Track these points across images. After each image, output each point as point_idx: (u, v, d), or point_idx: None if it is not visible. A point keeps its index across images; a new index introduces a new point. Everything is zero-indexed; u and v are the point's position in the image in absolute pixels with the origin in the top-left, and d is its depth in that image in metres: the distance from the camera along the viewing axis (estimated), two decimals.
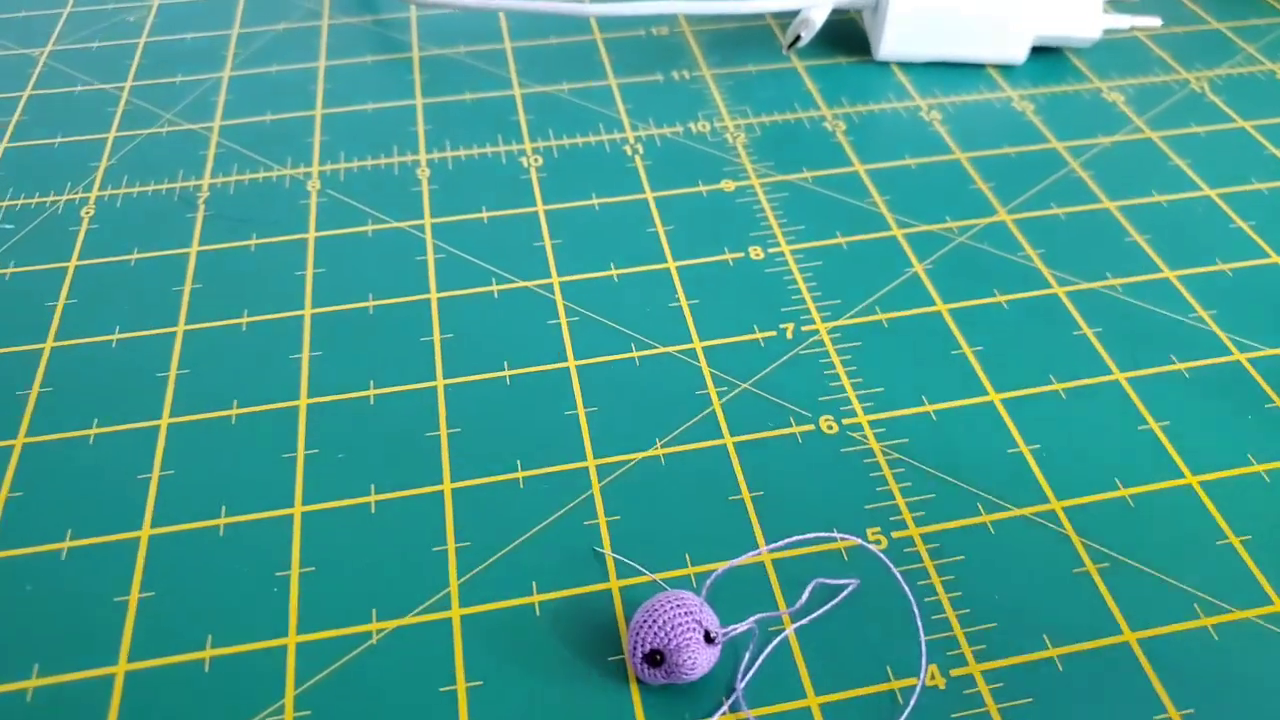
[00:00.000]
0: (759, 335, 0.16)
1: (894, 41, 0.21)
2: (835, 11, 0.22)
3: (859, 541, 0.13)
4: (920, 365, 0.15)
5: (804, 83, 0.21)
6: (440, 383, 0.15)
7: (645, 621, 0.11)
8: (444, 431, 0.14)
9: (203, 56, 0.22)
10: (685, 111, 0.20)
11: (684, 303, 0.16)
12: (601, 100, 0.21)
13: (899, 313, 0.16)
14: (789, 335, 0.16)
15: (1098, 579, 0.13)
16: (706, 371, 0.15)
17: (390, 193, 0.19)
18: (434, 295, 0.17)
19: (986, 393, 0.15)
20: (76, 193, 0.19)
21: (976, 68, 0.22)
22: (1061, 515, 0.13)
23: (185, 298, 0.17)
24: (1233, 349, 0.16)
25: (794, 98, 0.21)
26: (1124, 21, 0.22)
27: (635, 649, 0.11)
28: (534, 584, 0.13)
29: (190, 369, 0.15)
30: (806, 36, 0.21)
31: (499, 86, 0.21)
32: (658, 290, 0.17)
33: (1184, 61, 0.22)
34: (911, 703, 0.12)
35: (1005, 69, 0.22)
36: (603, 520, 0.13)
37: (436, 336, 0.16)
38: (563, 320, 0.16)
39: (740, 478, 0.14)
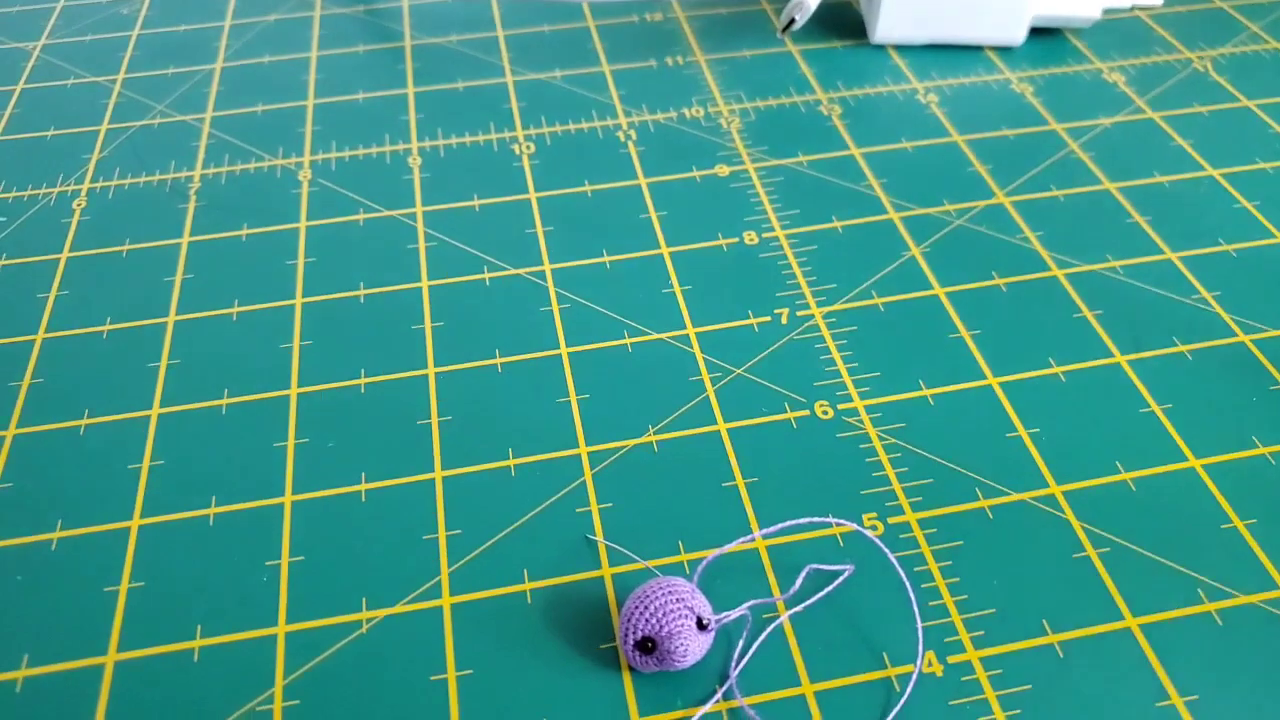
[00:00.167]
0: (753, 321, 0.16)
1: (890, 24, 0.21)
2: None
3: (854, 527, 0.13)
4: (917, 349, 0.15)
5: (799, 66, 0.21)
6: (431, 371, 0.15)
7: (637, 609, 0.11)
8: (435, 419, 0.14)
9: (195, 48, 0.22)
10: (679, 97, 0.20)
11: (677, 289, 0.16)
12: (594, 86, 0.21)
13: (895, 297, 0.16)
14: (784, 320, 0.16)
15: (1099, 564, 0.13)
16: (700, 357, 0.15)
17: (382, 181, 0.18)
18: (425, 283, 0.16)
19: (985, 377, 0.15)
20: (69, 185, 0.19)
21: (974, 49, 0.21)
22: (1061, 500, 0.13)
23: (176, 288, 0.17)
24: (1236, 330, 0.15)
25: (789, 82, 0.21)
26: (1125, 1, 0.22)
27: (627, 636, 0.11)
28: (525, 572, 0.13)
29: (181, 359, 0.15)
30: (801, 20, 0.20)
31: (491, 74, 0.21)
32: (651, 276, 0.16)
33: (1186, 41, 0.22)
34: (908, 690, 0.11)
35: (1003, 50, 0.21)
36: (595, 507, 0.13)
37: (428, 324, 0.16)
38: (555, 307, 0.16)
39: (734, 464, 0.14)
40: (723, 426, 0.14)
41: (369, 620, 0.12)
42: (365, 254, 0.17)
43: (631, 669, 0.12)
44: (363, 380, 0.15)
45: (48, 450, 0.14)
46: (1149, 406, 0.14)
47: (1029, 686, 0.11)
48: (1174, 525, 0.13)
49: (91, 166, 0.19)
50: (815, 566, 0.12)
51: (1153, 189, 0.18)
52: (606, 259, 0.17)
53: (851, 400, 0.14)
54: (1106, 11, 0.22)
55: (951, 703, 0.11)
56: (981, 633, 0.12)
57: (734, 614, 0.12)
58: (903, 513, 0.13)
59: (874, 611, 0.12)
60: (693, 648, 0.11)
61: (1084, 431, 0.14)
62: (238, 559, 0.13)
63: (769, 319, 0.16)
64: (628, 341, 0.15)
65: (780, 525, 0.13)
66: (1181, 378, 0.15)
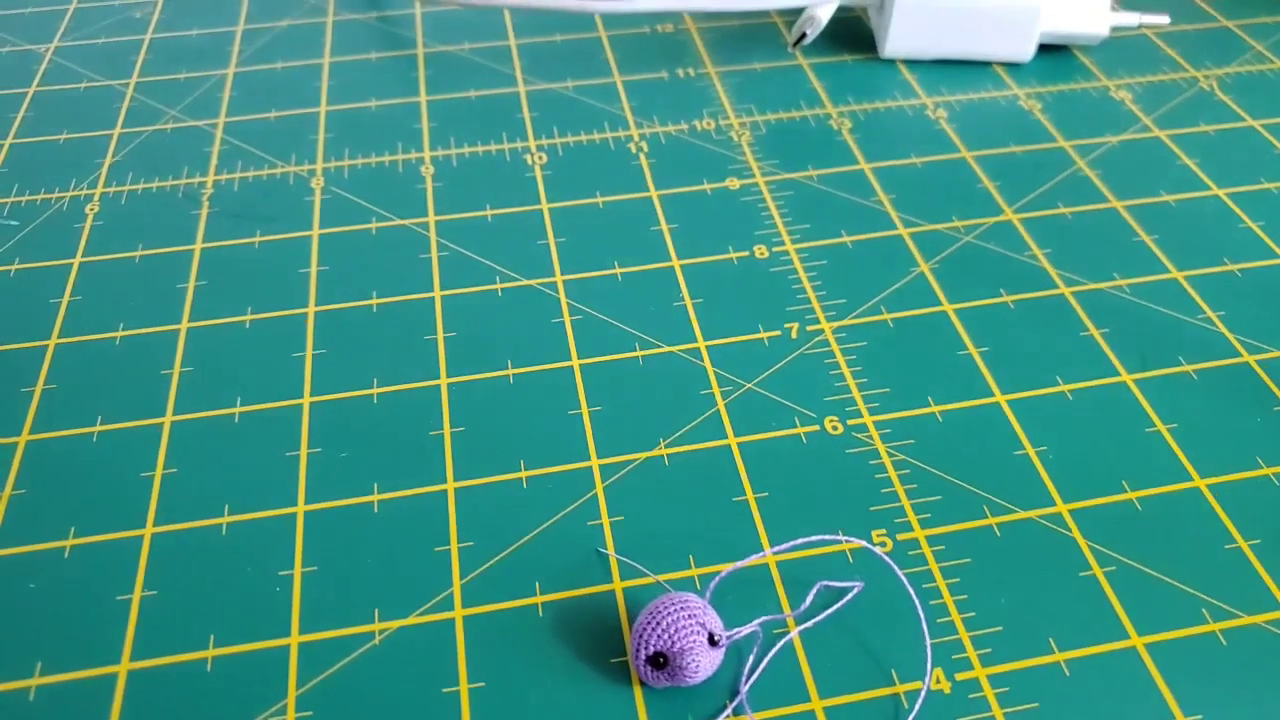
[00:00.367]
0: (763, 335, 0.16)
1: (900, 39, 0.21)
2: (841, 9, 0.22)
3: (864, 544, 0.13)
4: (926, 366, 0.15)
5: (809, 80, 0.21)
6: (444, 381, 0.15)
7: (649, 624, 0.11)
8: (447, 430, 0.14)
9: (207, 53, 0.22)
10: (690, 109, 0.20)
11: (688, 302, 0.16)
12: (606, 98, 0.21)
13: (904, 312, 0.16)
14: (794, 335, 0.16)
15: (1104, 582, 0.13)
16: (710, 371, 0.15)
17: (394, 190, 0.19)
18: (438, 293, 0.17)
19: (992, 394, 0.15)
20: (81, 189, 0.19)
21: (983, 65, 0.22)
22: (1068, 518, 0.13)
23: (189, 295, 0.17)
24: (1241, 350, 0.16)
25: (799, 95, 0.21)
26: (1132, 19, 0.22)
27: (639, 651, 0.11)
28: (537, 584, 0.13)
29: (194, 366, 0.15)
30: (812, 34, 0.21)
31: (503, 84, 0.21)
32: (662, 289, 0.17)
33: (1193, 59, 0.22)
34: (916, 707, 0.11)
35: (1012, 67, 0.22)
36: (606, 521, 0.13)
37: (440, 335, 0.16)
38: (566, 319, 0.16)
39: (744, 478, 0.14)
40: (733, 441, 0.14)
41: (382, 632, 0.12)
42: (378, 263, 0.17)
43: (642, 684, 0.12)
44: (375, 390, 0.15)
45: (61, 457, 0.14)
46: (1155, 426, 0.14)
47: (1036, 704, 0.12)
48: (1179, 545, 0.13)
49: (104, 171, 0.19)
50: (826, 583, 0.12)
51: (1159, 208, 0.18)
52: (618, 271, 0.17)
53: (861, 416, 0.15)
54: (1114, 29, 0.22)
55: None
56: (989, 650, 0.12)
57: (745, 630, 0.12)
58: (911, 529, 0.13)
59: (883, 628, 0.12)
60: (704, 664, 0.11)
61: (1091, 450, 0.14)
62: (250, 569, 0.13)
63: (779, 333, 0.16)
64: (639, 354, 0.16)
65: (791, 543, 0.13)
66: (1187, 397, 0.15)
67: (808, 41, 0.21)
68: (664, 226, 0.18)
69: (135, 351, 0.16)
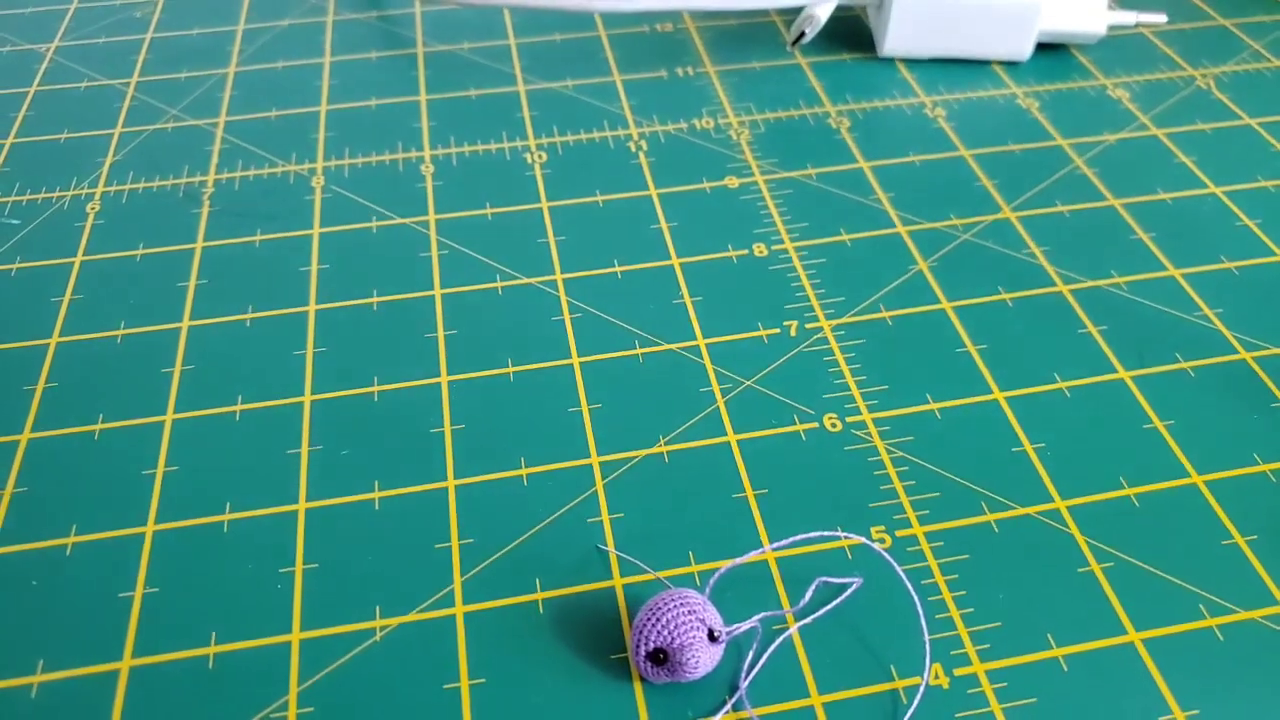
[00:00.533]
0: (763, 332, 0.16)
1: (898, 37, 0.21)
2: (840, 8, 0.22)
3: (863, 540, 0.13)
4: (924, 363, 0.15)
5: (808, 79, 0.21)
6: (444, 379, 0.15)
7: (649, 620, 0.11)
8: (448, 428, 0.14)
9: (208, 52, 0.22)
10: (689, 108, 0.20)
11: (688, 299, 0.16)
12: (606, 96, 0.21)
13: (903, 310, 0.16)
14: (793, 332, 0.16)
15: (1102, 578, 0.13)
16: (710, 368, 0.15)
17: (395, 189, 0.19)
18: (438, 291, 0.17)
19: (991, 391, 0.15)
20: (82, 188, 0.19)
21: (981, 64, 0.22)
22: (1066, 514, 0.13)
23: (190, 293, 0.17)
24: (1238, 348, 0.16)
25: (798, 94, 0.21)
26: (1129, 18, 0.22)
27: (639, 647, 0.11)
28: (537, 581, 0.13)
29: (195, 365, 0.15)
30: (811, 33, 0.21)
31: (503, 83, 0.21)
32: (661, 287, 0.17)
33: (1190, 58, 0.22)
34: (915, 702, 0.11)
35: (1010, 65, 0.22)
36: (606, 518, 0.13)
37: (440, 333, 0.16)
38: (566, 317, 0.16)
39: (744, 475, 0.14)
40: (733, 438, 0.14)
41: (383, 628, 0.12)
42: (378, 261, 0.17)
43: (642, 679, 0.12)
44: (376, 388, 0.15)
45: (62, 455, 0.14)
46: (1152, 422, 0.15)
47: (1034, 699, 0.12)
48: (1176, 541, 0.13)
49: (105, 170, 0.19)
50: (825, 580, 0.12)
51: (1156, 206, 0.18)
52: (618, 269, 0.17)
53: (860, 413, 0.15)
54: (1112, 28, 0.22)
55: (958, 715, 0.11)
56: (987, 646, 0.12)
57: (744, 626, 0.12)
58: (910, 526, 0.13)
59: (882, 624, 0.12)
60: (704, 659, 0.11)
61: (1088, 447, 0.14)
62: (252, 566, 0.13)
63: (778, 331, 0.16)
64: (639, 352, 0.16)
65: (790, 539, 0.13)
66: (1184, 394, 0.15)
67: (806, 40, 0.21)
68: (663, 225, 0.18)
69: (136, 350, 0.16)
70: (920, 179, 0.19)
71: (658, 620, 0.11)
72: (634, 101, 0.21)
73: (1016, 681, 0.12)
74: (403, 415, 0.15)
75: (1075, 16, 0.21)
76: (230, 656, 0.12)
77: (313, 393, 0.15)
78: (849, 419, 0.15)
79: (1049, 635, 0.12)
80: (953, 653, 0.12)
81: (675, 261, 0.17)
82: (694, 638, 0.11)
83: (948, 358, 0.15)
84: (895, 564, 0.13)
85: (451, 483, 0.14)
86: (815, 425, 0.14)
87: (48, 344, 0.16)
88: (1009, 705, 0.12)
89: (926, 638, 0.12)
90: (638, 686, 0.12)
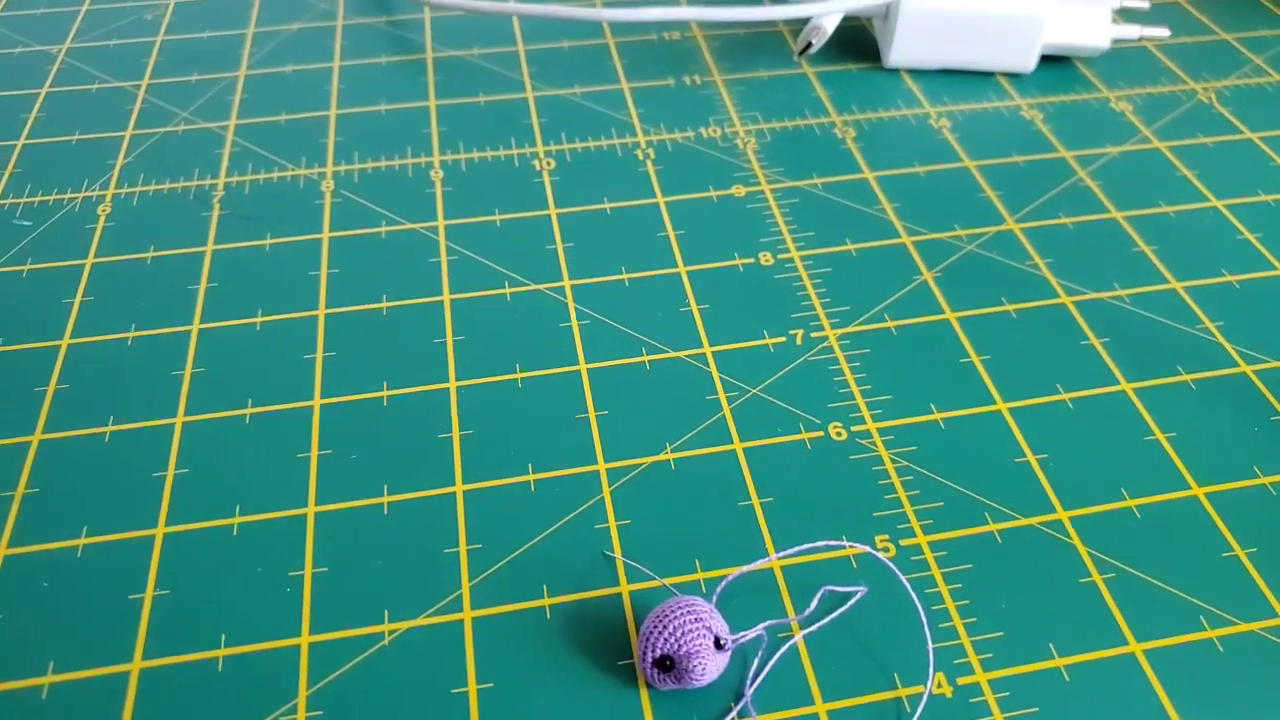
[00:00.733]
0: (769, 341, 0.16)
1: (904, 48, 0.21)
2: (846, 18, 0.22)
3: (867, 549, 0.13)
4: (928, 373, 0.15)
5: (814, 89, 0.21)
6: (453, 384, 0.15)
7: (656, 627, 0.11)
8: (456, 433, 0.15)
9: (218, 55, 0.22)
10: (696, 116, 0.21)
11: (694, 307, 0.17)
12: (613, 104, 0.21)
13: (908, 320, 0.16)
14: (798, 341, 0.16)
15: (1104, 589, 0.13)
16: (716, 376, 0.15)
17: (403, 194, 0.19)
18: (447, 297, 0.17)
19: (994, 401, 0.15)
20: (94, 190, 0.19)
21: (986, 75, 0.22)
22: (1068, 525, 0.14)
23: (201, 296, 0.17)
24: (1239, 361, 0.16)
25: (804, 104, 0.21)
26: (1133, 31, 0.22)
27: (646, 654, 0.11)
28: (545, 587, 0.13)
29: (205, 368, 0.16)
30: (818, 43, 0.21)
31: (512, 89, 0.21)
32: (668, 295, 0.17)
33: (1192, 72, 0.22)
34: (919, 710, 0.12)
35: (1014, 77, 0.22)
36: (613, 524, 0.13)
37: (449, 338, 0.16)
38: (574, 323, 0.16)
39: (750, 483, 0.14)
40: (739, 446, 0.14)
41: (391, 633, 0.12)
42: (388, 266, 0.17)
43: (649, 686, 0.12)
44: (385, 392, 0.15)
45: (73, 457, 0.14)
46: (1153, 434, 0.15)
47: (1036, 709, 0.12)
48: (1177, 552, 0.13)
49: (116, 172, 0.19)
50: (830, 588, 0.13)
51: (1158, 218, 0.18)
52: (625, 276, 0.17)
53: (864, 422, 0.15)
54: (1115, 41, 0.22)
55: None
56: (990, 655, 0.12)
57: (750, 634, 0.12)
58: (914, 535, 0.13)
59: (886, 632, 0.12)
60: (710, 667, 0.11)
61: (1090, 458, 0.14)
62: (261, 569, 0.13)
63: (784, 339, 0.16)
64: (646, 359, 0.16)
65: (796, 549, 0.13)
66: (1185, 406, 0.15)
67: (813, 51, 0.21)
68: (670, 233, 0.18)
69: (147, 352, 0.16)
70: (925, 189, 0.19)
71: (665, 628, 0.11)
72: (642, 109, 0.21)
73: (1019, 691, 0.12)
74: (412, 420, 0.15)
75: (1079, 30, 0.21)
76: (240, 659, 0.12)
77: (322, 397, 0.15)
78: (854, 428, 0.15)
79: (1051, 645, 0.12)
80: (956, 661, 0.12)
81: (682, 269, 0.17)
82: (701, 645, 0.11)
83: (951, 368, 0.16)
84: (899, 573, 0.13)
85: (460, 488, 0.14)
86: (821, 434, 0.15)
87: (59, 345, 0.16)
88: (1011, 714, 0.12)
89: (930, 646, 0.12)
90: (644, 693, 0.12)
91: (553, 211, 0.18)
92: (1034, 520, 0.14)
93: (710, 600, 0.12)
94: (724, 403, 0.15)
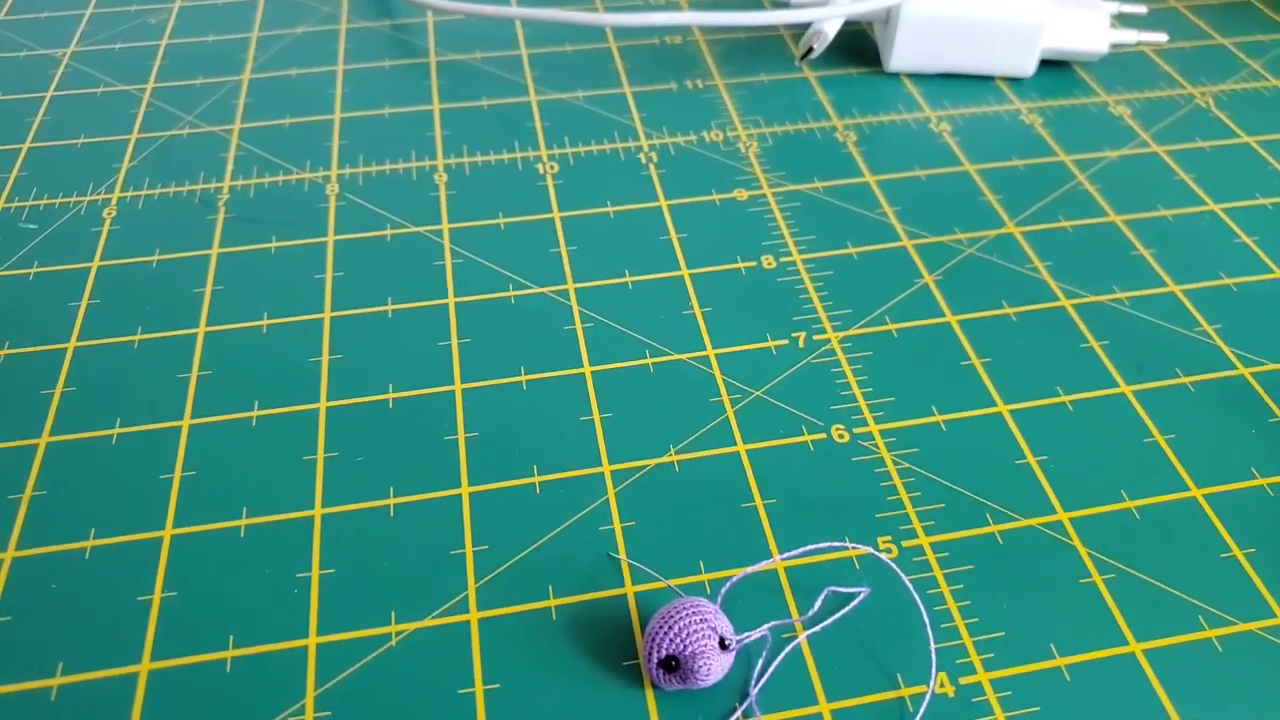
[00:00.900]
0: (771, 343, 0.16)
1: (904, 53, 0.21)
2: (847, 23, 0.23)
3: (870, 550, 0.13)
4: (930, 376, 0.16)
5: (815, 93, 0.22)
6: (458, 387, 0.15)
7: (662, 628, 0.12)
8: (461, 436, 0.15)
9: (223, 59, 0.22)
10: (699, 120, 0.21)
11: (697, 310, 0.17)
12: (616, 108, 0.21)
13: (909, 323, 0.17)
14: (801, 344, 0.16)
15: (1104, 589, 0.13)
16: (719, 379, 0.16)
17: (408, 197, 0.19)
18: (451, 300, 0.17)
19: (995, 404, 0.15)
20: (99, 193, 0.19)
21: (985, 80, 0.22)
22: (1068, 526, 0.14)
23: (206, 299, 0.17)
24: (1237, 363, 0.16)
25: (806, 108, 0.21)
26: (1131, 36, 0.22)
27: (651, 655, 0.12)
28: (550, 588, 0.13)
29: (211, 370, 0.16)
30: (819, 48, 0.21)
31: (515, 93, 0.21)
32: (671, 297, 0.17)
33: (1190, 76, 0.22)
34: (921, 710, 0.12)
35: (1014, 82, 0.22)
36: (618, 526, 0.14)
37: (454, 341, 0.16)
38: (578, 326, 0.16)
39: (753, 485, 0.14)
40: (742, 448, 0.15)
41: (398, 634, 0.12)
42: (392, 269, 0.17)
43: (654, 686, 0.12)
44: (391, 395, 0.15)
45: (81, 459, 0.14)
46: (1152, 436, 0.15)
47: (1037, 708, 0.12)
48: (1176, 553, 0.13)
49: (122, 175, 0.19)
50: (833, 589, 0.13)
51: (1157, 222, 0.19)
52: (629, 279, 0.17)
53: (867, 425, 0.15)
54: (1114, 46, 0.23)
55: None
56: (991, 655, 0.12)
57: (755, 634, 0.12)
58: (916, 536, 0.13)
59: (888, 633, 0.12)
60: (715, 667, 0.11)
61: (1090, 460, 0.14)
62: (269, 570, 0.13)
63: (786, 342, 0.16)
64: (649, 361, 0.16)
65: (800, 550, 0.13)
66: (1184, 409, 0.15)
67: (815, 55, 0.21)
68: (673, 236, 0.18)
69: (153, 355, 0.16)
70: (925, 193, 0.19)
71: (670, 628, 0.11)
72: (644, 113, 0.21)
73: (1020, 690, 0.12)
74: (417, 422, 0.15)
75: (1078, 34, 0.22)
76: (247, 660, 0.12)
77: (328, 399, 0.15)
78: (856, 430, 0.15)
79: (1051, 645, 0.12)
80: (957, 661, 0.12)
81: (685, 272, 0.17)
82: (706, 646, 0.11)
83: (953, 371, 0.16)
84: (901, 574, 0.13)
85: (465, 490, 0.14)
86: (823, 436, 0.15)
87: (65, 348, 0.16)
88: (1013, 714, 0.12)
89: (932, 646, 0.12)
90: (649, 693, 0.12)
91: (556, 215, 0.19)
92: (1035, 521, 0.14)
93: (715, 601, 0.12)
94: (727, 405, 0.15)
